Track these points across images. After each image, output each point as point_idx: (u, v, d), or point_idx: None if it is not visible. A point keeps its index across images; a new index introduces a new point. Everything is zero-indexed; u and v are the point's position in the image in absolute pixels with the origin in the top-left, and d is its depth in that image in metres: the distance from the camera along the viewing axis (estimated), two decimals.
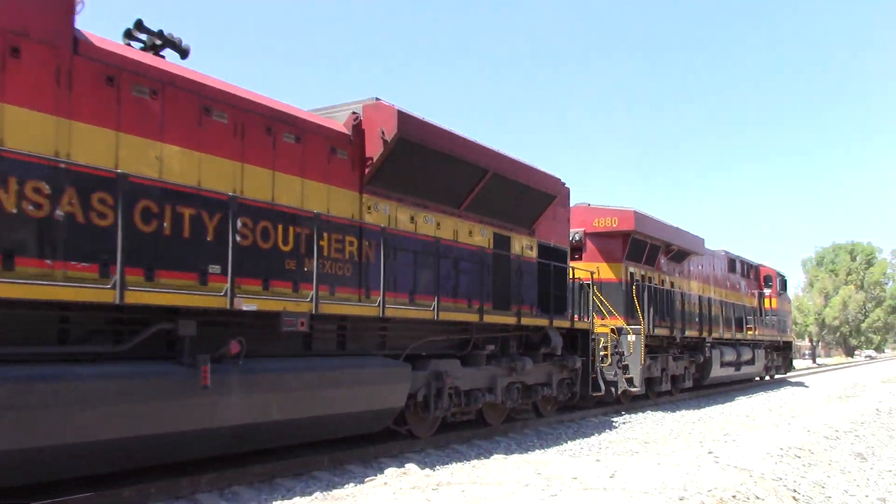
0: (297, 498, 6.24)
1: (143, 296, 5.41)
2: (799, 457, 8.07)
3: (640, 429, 12.18)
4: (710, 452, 7.89)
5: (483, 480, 6.09)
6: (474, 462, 7.32)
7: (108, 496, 5.75)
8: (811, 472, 7.66)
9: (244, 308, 5.99)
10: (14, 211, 4.88)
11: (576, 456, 9.36)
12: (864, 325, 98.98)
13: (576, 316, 12.18)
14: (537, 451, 9.64)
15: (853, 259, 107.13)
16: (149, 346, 5.73)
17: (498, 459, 7.31)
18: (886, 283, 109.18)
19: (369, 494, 5.81)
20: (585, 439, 10.89)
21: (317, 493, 6.25)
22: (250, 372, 6.23)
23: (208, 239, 6.10)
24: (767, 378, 25.47)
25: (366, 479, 6.71)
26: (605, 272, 15.07)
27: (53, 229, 5.10)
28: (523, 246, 10.86)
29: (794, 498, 6.52)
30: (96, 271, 5.33)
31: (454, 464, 7.97)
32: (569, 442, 10.62)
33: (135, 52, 6.23)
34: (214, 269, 6.09)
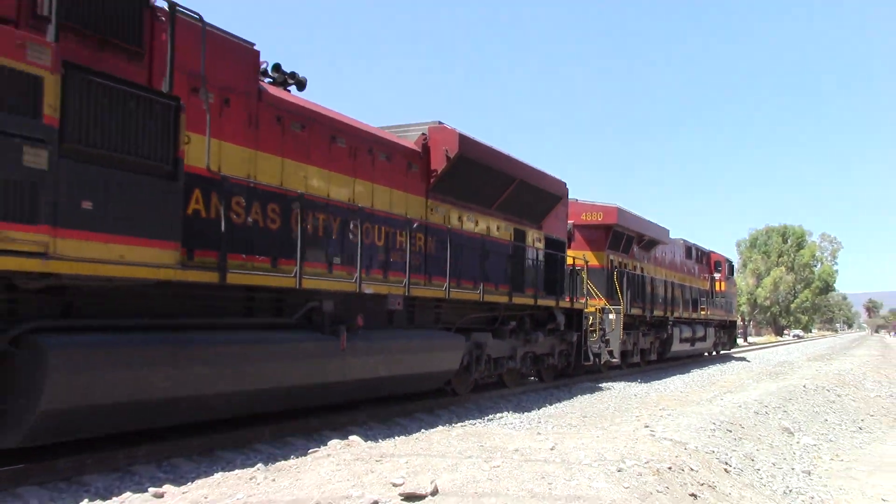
0: (239, 470, 6.22)
1: (309, 282, 7.38)
2: (730, 431, 8.46)
3: (606, 396, 12.54)
4: (646, 426, 8.20)
5: (426, 452, 6.19)
6: (417, 435, 7.42)
7: (42, 467, 5.63)
8: (742, 446, 8.05)
9: (367, 291, 8.10)
10: (234, 219, 6.90)
11: (517, 429, 9.59)
12: (793, 306, 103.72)
13: (570, 297, 14.34)
14: (478, 423, 9.83)
15: (785, 241, 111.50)
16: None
17: (441, 432, 7.43)
18: (815, 266, 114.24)
19: (312, 465, 5.83)
20: (526, 413, 11.15)
21: (259, 465, 6.24)
22: (367, 340, 8.23)
23: (333, 238, 8.11)
24: (714, 353, 29.12)
25: (308, 451, 6.72)
26: (591, 259, 17.45)
27: (248, 232, 7.06)
28: (534, 238, 13.19)
29: (725, 470, 6.86)
30: (269, 262, 7.27)
31: (397, 437, 8.06)
32: (509, 414, 10.86)
33: (290, 95, 8.16)
34: (337, 260, 8.09)
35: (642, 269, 20.43)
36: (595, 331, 16.28)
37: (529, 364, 13.43)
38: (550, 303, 13.24)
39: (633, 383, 16.41)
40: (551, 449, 6.47)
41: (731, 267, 31.56)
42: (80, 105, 4.96)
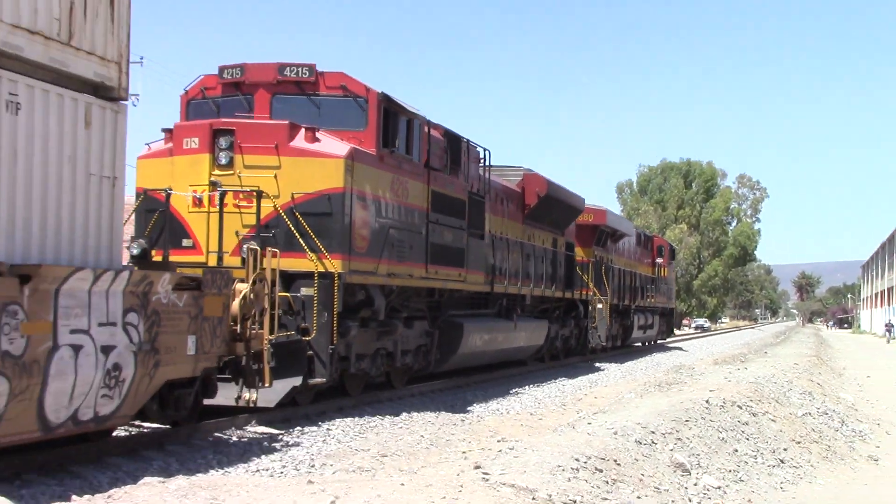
0: None
1: (497, 287, 22.29)
2: (601, 470, 9.12)
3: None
4: (477, 467, 8.62)
5: None
6: (113, 492, 7.29)
7: None
8: (617, 492, 8.71)
9: (520, 292, 24.07)
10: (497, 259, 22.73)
11: (278, 476, 9.69)
12: (696, 283, 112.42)
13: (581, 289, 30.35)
14: (215, 470, 9.83)
15: (688, 186, 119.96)
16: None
17: (150, 486, 7.36)
18: (729, 223, 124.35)
19: None
20: (294, 449, 11.28)
21: None
22: (520, 320, 23.68)
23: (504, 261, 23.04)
24: (639, 344, 42.71)
25: None
26: (580, 254, 30.92)
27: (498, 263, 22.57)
28: (560, 244, 27.89)
29: None
30: (483, 277, 21.34)
31: (77, 497, 7.87)
32: (263, 456, 10.95)
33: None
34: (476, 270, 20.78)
35: (612, 261, 34.64)
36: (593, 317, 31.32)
37: (560, 343, 29.19)
38: (576, 295, 29.30)
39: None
40: None
41: (673, 251, 49.16)
42: (471, 210, 20.09)
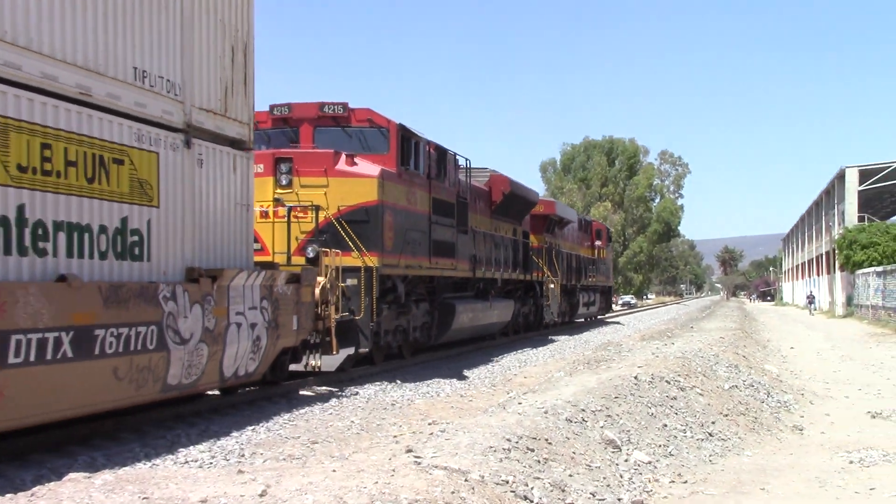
0: None
1: (478, 273, 26.72)
2: (533, 449, 9.19)
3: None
4: (408, 451, 8.63)
5: None
6: (36, 490, 7.15)
7: None
8: (549, 470, 8.78)
9: (493, 276, 28.48)
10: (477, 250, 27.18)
11: (208, 466, 9.60)
12: (622, 259, 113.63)
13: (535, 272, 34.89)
14: (143, 463, 9.71)
15: (611, 163, 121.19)
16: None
17: (75, 482, 7.23)
18: (653, 200, 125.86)
19: None
20: (223, 440, 11.18)
21: None
22: (493, 300, 28.44)
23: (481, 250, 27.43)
24: (581, 320, 47.44)
25: None
26: (534, 241, 34.84)
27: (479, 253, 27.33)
28: (519, 233, 31.85)
29: None
30: (467, 265, 25.69)
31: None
32: (193, 448, 10.83)
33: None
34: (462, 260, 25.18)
35: (559, 245, 39.05)
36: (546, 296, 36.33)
37: (521, 319, 34.08)
38: (533, 277, 33.93)
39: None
40: (261, 496, 6.59)
41: (610, 235, 55.68)
42: (458, 211, 24.81)
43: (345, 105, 20.60)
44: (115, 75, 11.36)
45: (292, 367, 17.11)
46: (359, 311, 18.32)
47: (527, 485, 8.05)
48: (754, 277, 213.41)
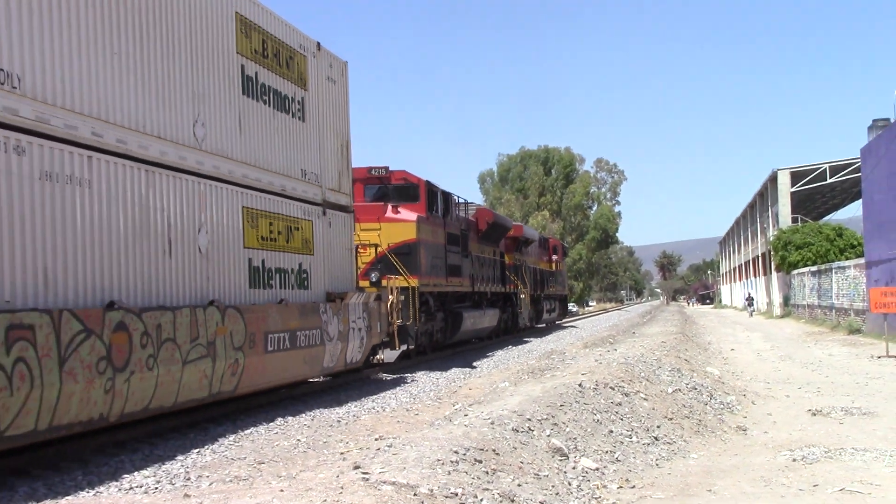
0: None
1: (475, 288, 34.17)
2: (480, 461, 9.19)
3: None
4: (356, 467, 8.58)
5: None
6: None
7: None
8: (497, 481, 8.79)
9: (485, 290, 35.57)
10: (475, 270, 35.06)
11: (152, 492, 9.47)
12: None
13: (510, 285, 41.60)
14: (86, 491, 9.56)
15: (548, 172, 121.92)
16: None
17: None
18: (590, 208, 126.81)
19: None
20: (168, 464, 11.05)
21: None
22: (486, 309, 35.65)
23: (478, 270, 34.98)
24: (542, 325, 54.16)
25: None
26: (508, 259, 41.12)
27: (477, 272, 35.20)
28: (497, 253, 39.00)
29: None
30: (468, 282, 33.08)
31: None
32: (136, 473, 10.69)
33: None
34: (465, 278, 32.93)
35: (527, 263, 45.80)
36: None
37: (502, 325, 40.22)
38: (509, 289, 40.66)
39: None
40: None
41: (565, 249, 65.56)
42: (462, 240, 32.72)
43: (387, 168, 27.83)
44: (295, 176, 18.15)
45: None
46: (408, 318, 25.05)
47: (476, 496, 8.05)
48: (693, 281, 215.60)
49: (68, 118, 11.45)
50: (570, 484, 9.76)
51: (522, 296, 43.26)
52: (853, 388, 19.15)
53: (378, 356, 24.38)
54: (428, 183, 28.09)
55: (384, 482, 7.79)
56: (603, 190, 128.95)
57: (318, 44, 19.79)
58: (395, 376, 23.48)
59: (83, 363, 10.92)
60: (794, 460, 11.40)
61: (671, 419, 14.26)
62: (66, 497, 9.41)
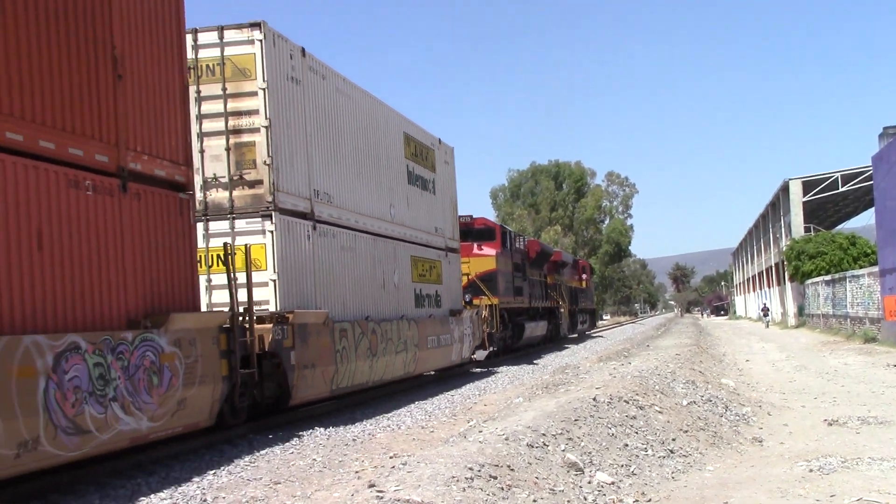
0: None
1: (532, 304, 43.68)
2: (495, 477, 9.17)
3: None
4: (371, 486, 8.58)
5: None
6: None
7: None
8: (512, 498, 8.77)
9: (537, 306, 44.84)
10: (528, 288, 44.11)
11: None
12: None
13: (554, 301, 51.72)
14: None
15: (559, 187, 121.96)
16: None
17: None
18: (602, 222, 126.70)
19: None
20: (185, 485, 11.05)
21: None
22: (539, 320, 44.73)
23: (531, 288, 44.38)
24: (575, 335, 61.41)
25: None
26: (550, 279, 49.75)
27: (531, 291, 44.86)
28: (542, 275, 47.57)
29: None
30: (527, 300, 42.19)
31: None
32: (153, 496, 10.70)
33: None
34: (525, 297, 42.31)
35: (563, 282, 53.78)
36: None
37: (549, 334, 48.34)
38: (552, 304, 49.70)
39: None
40: None
41: (592, 269, 77.83)
42: (521, 266, 41.64)
43: (471, 216, 36.61)
44: (431, 231, 26.96)
45: None
46: (493, 328, 33.83)
47: None
48: (707, 293, 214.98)
49: (344, 215, 20.16)
50: (585, 499, 9.73)
51: (562, 310, 52.07)
52: (869, 398, 19.05)
53: (474, 355, 31.78)
54: (501, 226, 38.33)
55: (398, 500, 7.78)
56: (615, 203, 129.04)
57: (440, 140, 28.83)
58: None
59: (361, 350, 19.77)
60: (811, 471, 11.35)
61: (686, 432, 14.21)
62: None
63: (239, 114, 16.90)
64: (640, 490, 10.57)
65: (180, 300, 13.54)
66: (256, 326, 15.63)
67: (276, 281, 16.71)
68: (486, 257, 35.29)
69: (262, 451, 14.09)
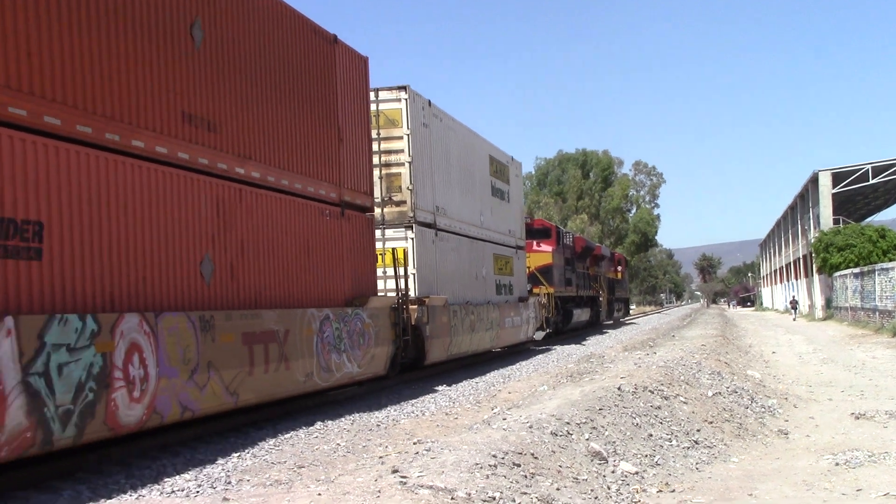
0: None
1: (579, 292, 50.51)
2: (518, 465, 9.17)
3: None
4: (394, 471, 8.59)
5: None
6: None
7: None
8: (536, 485, 8.76)
9: (582, 295, 50.98)
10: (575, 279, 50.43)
11: (193, 495, 9.53)
12: None
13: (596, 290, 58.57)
14: (128, 494, 9.64)
15: (586, 176, 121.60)
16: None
17: None
18: (629, 211, 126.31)
19: None
20: (208, 467, 11.10)
21: None
22: (583, 306, 50.89)
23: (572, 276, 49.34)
24: (611, 322, 66.71)
25: None
26: (591, 271, 55.06)
27: (579, 281, 51.25)
28: (586, 267, 53.71)
29: None
30: (574, 290, 48.08)
31: None
32: (177, 476, 10.75)
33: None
34: (573, 287, 48.64)
35: (602, 273, 59.82)
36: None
37: (591, 319, 54.04)
38: (593, 293, 55.07)
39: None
40: None
41: (626, 261, 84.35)
42: (570, 260, 47.73)
43: (531, 217, 47.69)
44: (506, 233, 32.69)
45: None
46: (549, 313, 39.30)
47: (514, 501, 8.03)
48: (733, 284, 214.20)
49: (452, 223, 26.05)
50: (609, 488, 9.72)
51: (601, 298, 57.62)
52: None
53: (534, 335, 37.24)
54: (556, 226, 44.74)
55: (422, 486, 7.79)
56: (641, 193, 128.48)
57: (512, 157, 34.96)
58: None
59: (465, 326, 25.82)
60: (837, 464, 11.28)
61: (711, 423, 14.16)
62: (109, 500, 9.49)
63: (389, 152, 22.83)
64: (663, 480, 10.54)
65: (368, 287, 19.54)
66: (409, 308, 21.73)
67: (416, 275, 22.83)
68: (543, 253, 41.26)
69: (287, 435, 14.13)
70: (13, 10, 10.15)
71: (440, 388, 21.36)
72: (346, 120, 18.93)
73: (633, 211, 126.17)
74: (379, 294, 20.73)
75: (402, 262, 21.49)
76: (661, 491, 10.08)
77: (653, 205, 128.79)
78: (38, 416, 9.69)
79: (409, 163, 22.80)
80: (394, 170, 22.90)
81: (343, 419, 15.98)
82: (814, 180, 68.36)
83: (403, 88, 23.16)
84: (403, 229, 22.89)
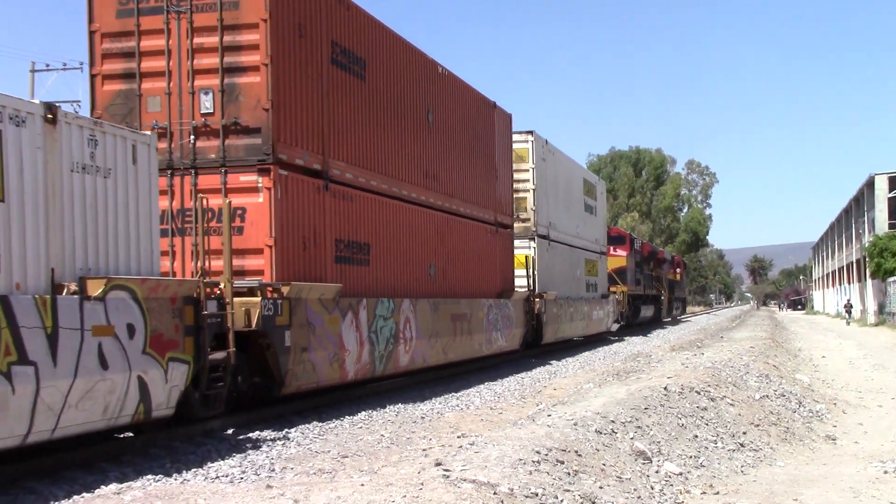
0: None
1: (645, 291, 59.43)
2: (562, 462, 9.14)
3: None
4: (437, 464, 8.60)
5: None
6: None
7: None
8: (579, 483, 8.73)
9: (647, 293, 59.44)
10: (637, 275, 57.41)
11: (237, 481, 9.61)
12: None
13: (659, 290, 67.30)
14: (172, 479, 9.74)
15: (638, 174, 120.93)
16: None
17: (105, 497, 7.25)
18: (680, 210, 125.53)
19: None
20: (252, 453, 11.19)
21: None
22: (650, 303, 60.69)
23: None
24: (669, 318, 72.95)
25: None
26: (654, 272, 63.43)
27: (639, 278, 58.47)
28: (651, 269, 62.23)
29: None
30: (642, 289, 57.20)
31: None
32: (222, 462, 10.85)
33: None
34: (641, 286, 58.13)
35: (664, 275, 68.48)
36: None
37: (655, 315, 63.66)
38: (656, 292, 63.73)
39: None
40: None
41: (685, 263, 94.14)
42: (641, 263, 57.46)
43: (609, 226, 48.37)
44: (593, 241, 40.76)
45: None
46: (623, 308, 46.81)
47: (556, 497, 8.01)
48: (784, 286, 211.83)
49: (559, 235, 33.70)
50: (652, 488, 9.66)
51: (663, 297, 64.31)
52: None
53: (611, 327, 44.30)
54: (630, 234, 53.69)
55: (464, 480, 7.79)
56: (694, 192, 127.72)
57: (598, 177, 47.05)
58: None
59: (567, 316, 33.74)
60: (886, 472, 11.12)
61: (758, 426, 14.03)
62: (154, 484, 9.59)
63: (518, 181, 29.92)
64: (707, 482, 10.46)
65: (510, 284, 27.71)
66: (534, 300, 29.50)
67: (537, 275, 29.98)
68: (619, 257, 49.16)
69: (332, 425, 14.22)
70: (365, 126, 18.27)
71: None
72: (498, 161, 26.86)
73: (685, 210, 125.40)
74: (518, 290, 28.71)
75: (530, 265, 29.47)
76: (704, 493, 10.00)
77: (705, 204, 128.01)
78: (371, 356, 17.40)
79: (533, 189, 30.97)
80: (521, 194, 30.45)
81: (388, 410, 16.05)
82: (869, 184, 67.43)
83: (531, 133, 31.34)
84: (528, 240, 30.52)
